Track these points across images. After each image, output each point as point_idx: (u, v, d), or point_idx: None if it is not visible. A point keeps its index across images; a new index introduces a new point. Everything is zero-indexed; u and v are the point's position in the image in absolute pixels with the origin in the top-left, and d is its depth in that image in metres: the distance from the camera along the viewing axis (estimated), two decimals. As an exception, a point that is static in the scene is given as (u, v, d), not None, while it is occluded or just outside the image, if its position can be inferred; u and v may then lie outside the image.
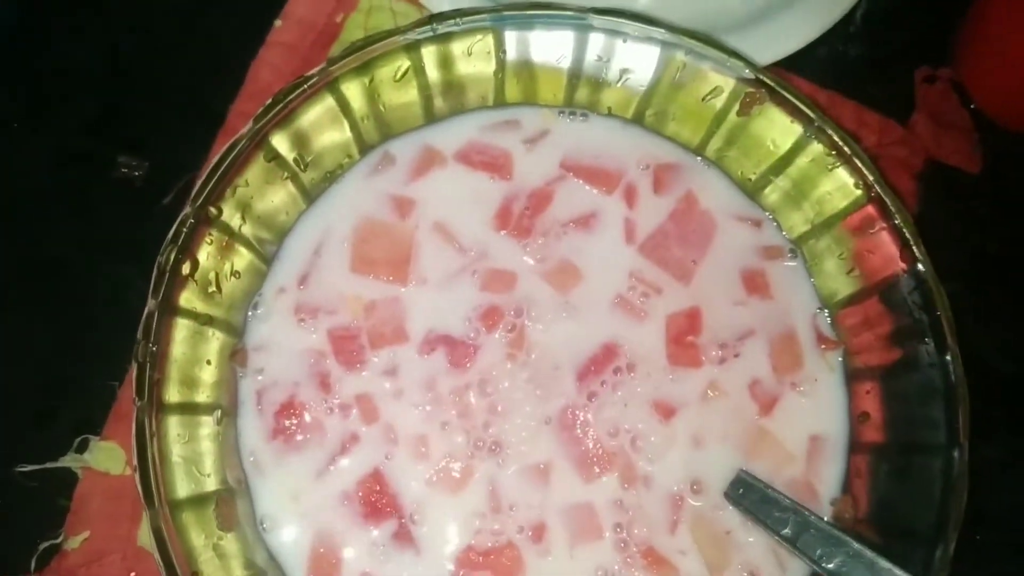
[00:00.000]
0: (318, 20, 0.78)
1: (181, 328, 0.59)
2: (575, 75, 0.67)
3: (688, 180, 0.68)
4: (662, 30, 0.63)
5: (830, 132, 0.62)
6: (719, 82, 0.65)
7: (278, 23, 0.78)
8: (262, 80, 0.75)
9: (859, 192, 0.63)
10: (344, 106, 0.64)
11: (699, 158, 0.69)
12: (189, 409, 0.59)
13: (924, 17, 0.83)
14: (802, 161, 0.65)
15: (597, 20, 0.64)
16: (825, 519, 0.59)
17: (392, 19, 0.77)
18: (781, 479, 0.62)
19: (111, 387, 0.68)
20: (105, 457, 0.67)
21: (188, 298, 0.59)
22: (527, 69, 0.67)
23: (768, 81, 0.63)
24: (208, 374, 0.61)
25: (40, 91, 0.77)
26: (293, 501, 0.61)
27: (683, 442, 0.63)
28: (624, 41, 0.65)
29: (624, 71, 0.66)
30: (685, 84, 0.66)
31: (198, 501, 0.57)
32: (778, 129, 0.65)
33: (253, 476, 0.61)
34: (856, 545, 0.56)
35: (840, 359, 0.65)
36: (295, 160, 0.64)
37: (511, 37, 0.65)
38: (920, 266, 0.60)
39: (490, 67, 0.67)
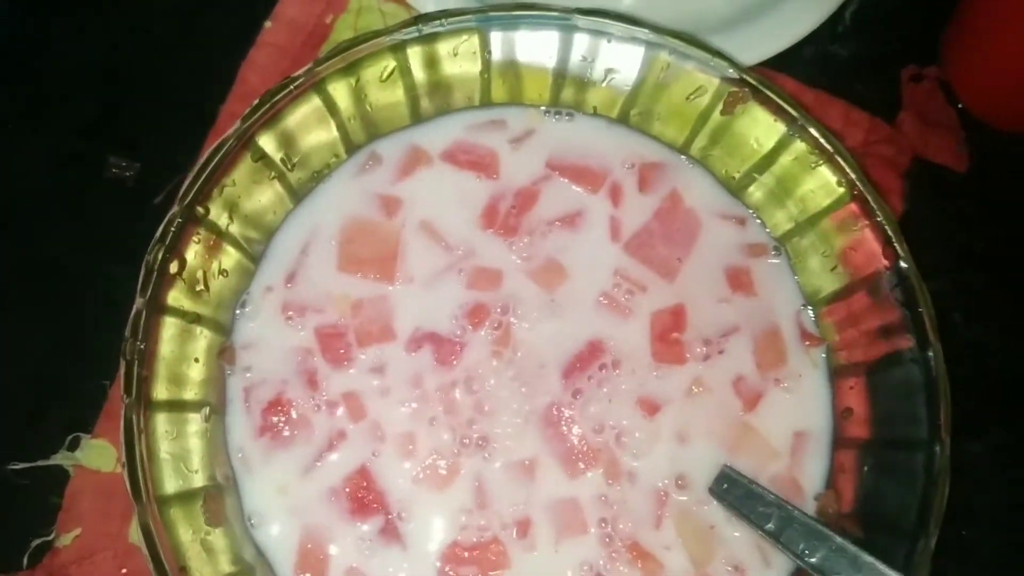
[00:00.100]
0: (308, 21, 0.78)
1: (169, 326, 0.59)
2: (560, 75, 0.68)
3: (673, 179, 0.68)
4: (646, 30, 0.64)
5: (812, 131, 0.63)
6: (703, 82, 0.65)
7: (268, 24, 0.78)
8: (252, 81, 0.76)
9: (842, 190, 0.63)
10: (331, 106, 0.64)
11: (684, 157, 0.69)
12: (177, 406, 0.59)
13: (911, 17, 0.83)
14: (785, 159, 0.65)
15: (582, 20, 0.64)
16: (809, 514, 0.59)
17: (382, 20, 0.78)
18: (765, 474, 0.63)
19: (102, 386, 0.69)
20: (96, 455, 0.68)
21: (176, 297, 0.60)
22: (513, 69, 0.67)
23: (751, 80, 0.63)
24: (196, 372, 0.61)
25: (33, 92, 0.78)
26: (281, 497, 0.61)
27: (668, 438, 0.63)
28: (609, 41, 0.65)
29: (609, 71, 0.67)
30: (669, 84, 0.66)
31: (186, 497, 0.58)
32: (761, 128, 0.65)
33: (241, 472, 0.61)
34: (839, 540, 0.56)
35: (824, 355, 0.66)
36: (282, 160, 0.64)
37: (496, 37, 0.66)
38: (902, 263, 0.61)
39: (476, 67, 0.67)
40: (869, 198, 0.62)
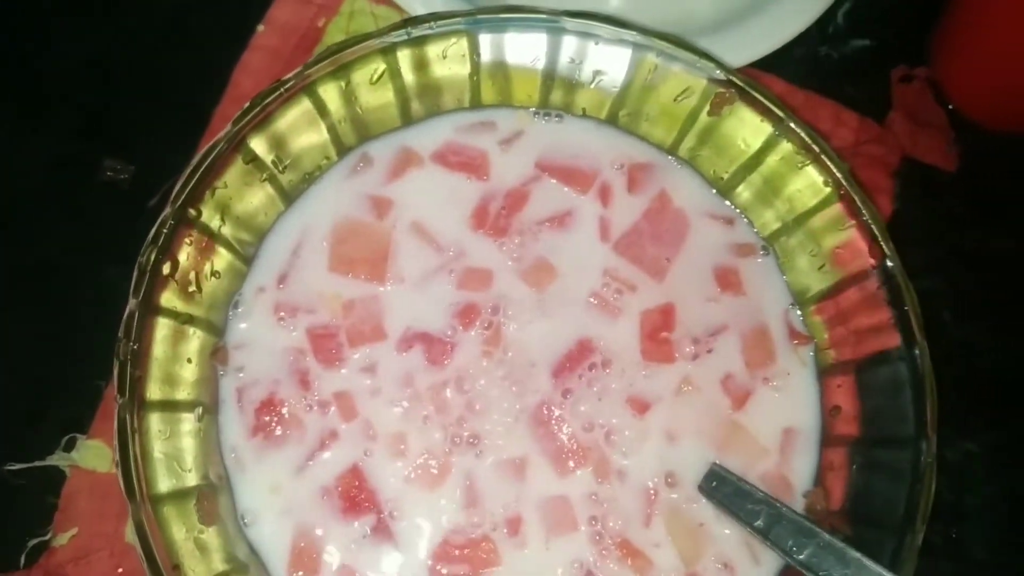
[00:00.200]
0: (300, 25, 0.79)
1: (162, 327, 0.60)
2: (549, 77, 0.68)
3: (661, 179, 0.69)
4: (633, 32, 0.64)
5: (799, 131, 0.63)
6: (690, 83, 0.66)
7: (261, 28, 0.79)
8: (245, 84, 0.76)
9: (828, 190, 0.64)
10: (321, 109, 0.65)
11: (672, 157, 0.70)
12: (170, 406, 0.60)
13: (901, 17, 0.84)
14: (772, 160, 0.66)
15: (569, 23, 0.65)
16: (797, 511, 0.59)
17: (374, 23, 0.78)
18: (755, 472, 0.63)
19: (98, 387, 0.69)
20: (92, 455, 0.68)
21: (169, 298, 0.60)
22: (502, 71, 0.68)
23: (738, 81, 0.64)
24: (189, 372, 0.62)
25: (28, 95, 0.78)
26: (273, 496, 0.62)
27: (657, 436, 0.63)
28: (596, 43, 0.66)
29: (597, 73, 0.67)
30: (657, 85, 0.66)
31: (179, 496, 0.58)
32: (749, 128, 0.66)
33: (234, 472, 0.62)
34: (827, 536, 0.56)
35: (812, 354, 0.66)
36: (273, 162, 0.65)
37: (485, 40, 0.66)
38: (888, 262, 0.61)
39: (465, 69, 0.67)
40: (855, 198, 0.62)
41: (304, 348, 0.64)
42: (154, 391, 0.59)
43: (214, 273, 0.63)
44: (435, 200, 0.68)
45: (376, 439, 0.63)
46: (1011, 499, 0.72)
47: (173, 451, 0.59)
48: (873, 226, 0.62)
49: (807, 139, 0.63)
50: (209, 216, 0.62)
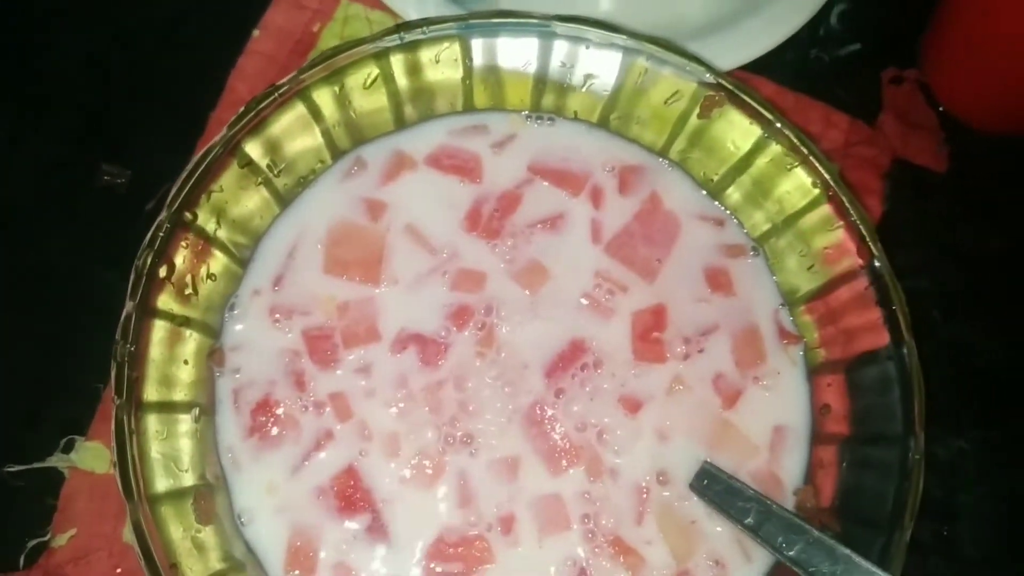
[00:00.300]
0: (295, 30, 0.79)
1: (159, 329, 0.61)
2: (541, 81, 0.69)
3: (652, 181, 0.70)
4: (623, 36, 0.65)
5: (788, 133, 0.64)
6: (680, 86, 0.66)
7: (256, 33, 0.79)
8: (241, 89, 0.77)
9: (817, 191, 0.64)
10: (315, 113, 0.65)
11: (663, 160, 0.70)
12: (167, 407, 0.61)
13: (891, 20, 0.84)
14: (762, 161, 0.66)
15: (560, 27, 0.65)
16: (787, 508, 0.60)
17: (368, 28, 0.79)
18: (745, 470, 0.64)
19: (96, 389, 0.70)
20: (91, 457, 0.69)
21: (165, 300, 0.61)
22: (494, 75, 0.68)
23: (727, 84, 0.64)
24: (186, 373, 0.62)
25: (26, 100, 0.79)
26: (270, 496, 0.62)
27: (649, 435, 0.64)
28: (587, 47, 0.66)
29: (588, 76, 0.68)
30: (648, 88, 0.67)
31: (177, 495, 0.59)
32: (738, 131, 0.66)
33: (231, 472, 0.63)
34: (816, 533, 0.57)
35: (801, 353, 0.67)
36: (268, 166, 0.65)
37: (477, 44, 0.67)
38: (876, 262, 0.62)
39: (458, 74, 0.68)
40: (844, 198, 0.63)
41: (299, 349, 0.65)
42: (151, 392, 0.60)
43: (210, 276, 0.64)
44: (428, 203, 0.68)
45: (371, 439, 0.63)
46: (1002, 497, 0.72)
47: (170, 451, 0.60)
48: (861, 226, 0.62)
49: (796, 141, 0.64)
50: (205, 219, 0.63)
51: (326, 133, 0.67)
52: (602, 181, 0.69)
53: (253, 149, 0.64)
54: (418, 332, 0.65)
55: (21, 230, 0.75)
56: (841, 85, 0.81)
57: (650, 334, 0.66)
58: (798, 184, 0.65)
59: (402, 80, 0.67)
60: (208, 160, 0.61)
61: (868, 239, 0.62)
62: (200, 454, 0.61)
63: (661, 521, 0.63)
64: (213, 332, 0.65)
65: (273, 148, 0.65)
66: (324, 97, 0.65)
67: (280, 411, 0.63)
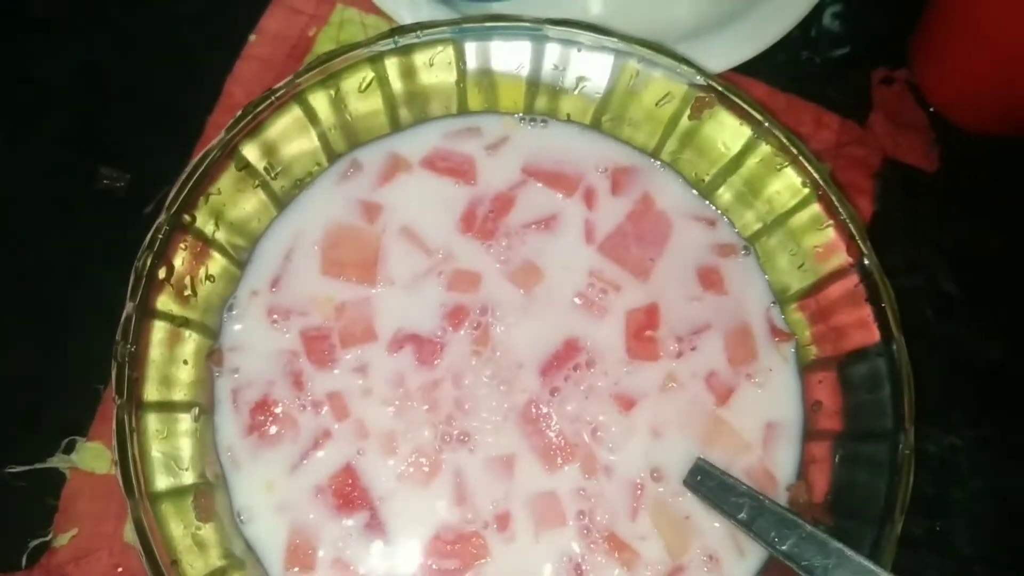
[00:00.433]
0: (291, 34, 0.80)
1: (158, 330, 0.61)
2: (534, 83, 0.69)
3: (645, 182, 0.70)
4: (615, 39, 0.65)
5: (777, 133, 0.65)
6: (671, 88, 0.67)
7: (252, 38, 0.80)
8: (237, 93, 0.78)
9: (807, 190, 0.65)
10: (311, 116, 0.66)
11: (655, 161, 0.71)
12: (167, 407, 0.61)
13: (881, 21, 0.85)
14: (752, 162, 0.67)
15: (552, 31, 0.66)
16: (780, 504, 0.60)
17: (363, 32, 0.80)
18: (739, 466, 0.64)
19: (96, 390, 0.70)
20: (91, 457, 0.69)
21: (165, 301, 0.62)
22: (488, 78, 0.69)
23: (717, 86, 0.65)
24: (185, 373, 0.63)
25: (25, 105, 0.79)
26: (269, 494, 0.63)
27: (643, 432, 0.65)
28: (579, 50, 0.67)
29: (580, 79, 0.69)
30: (639, 90, 0.68)
31: (177, 493, 0.60)
32: (728, 132, 0.67)
33: (230, 470, 0.63)
34: (808, 527, 0.57)
35: (793, 350, 0.67)
36: (265, 169, 0.66)
37: (471, 48, 0.67)
38: (866, 260, 0.62)
39: (452, 77, 0.69)
40: (833, 198, 0.64)
41: (297, 350, 0.65)
42: (151, 392, 0.60)
43: (209, 277, 0.65)
44: (424, 204, 0.69)
45: (368, 438, 0.64)
46: (995, 494, 0.73)
47: (170, 450, 0.61)
48: (851, 225, 0.63)
49: (785, 141, 0.65)
50: (203, 222, 0.64)
51: (322, 136, 0.68)
52: (595, 182, 0.70)
53: (250, 152, 0.65)
54: (414, 332, 0.66)
55: (21, 233, 0.76)
56: (832, 86, 0.82)
57: (643, 332, 0.67)
58: (788, 184, 0.66)
59: (397, 83, 0.68)
60: (206, 163, 0.62)
61: (857, 237, 0.63)
62: (200, 453, 0.62)
63: (655, 517, 0.63)
64: (212, 333, 0.65)
65: (270, 151, 0.66)
66: (320, 100, 0.66)
67: (278, 410, 0.64)
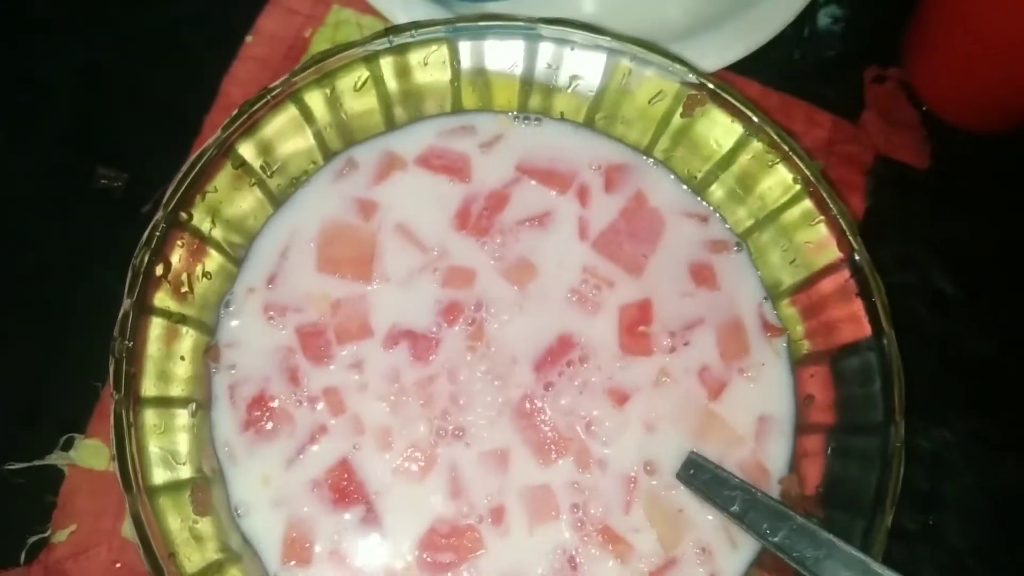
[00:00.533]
0: (288, 35, 0.81)
1: (156, 326, 0.62)
2: (528, 82, 0.70)
3: (638, 179, 0.71)
4: (607, 38, 0.66)
5: (768, 130, 0.65)
6: (663, 86, 0.67)
7: (249, 38, 0.81)
8: (234, 93, 0.78)
9: (798, 187, 0.66)
10: (307, 115, 0.67)
11: (648, 158, 0.71)
12: (165, 402, 0.62)
13: (873, 20, 0.86)
14: (744, 159, 0.67)
15: (546, 30, 0.67)
16: (772, 496, 0.61)
17: (359, 33, 0.80)
18: (731, 459, 0.65)
19: (94, 387, 0.71)
20: (90, 454, 0.70)
21: (162, 298, 0.62)
22: (482, 77, 0.70)
23: (709, 84, 0.66)
24: (183, 369, 0.63)
25: (23, 105, 0.80)
26: (265, 488, 0.63)
27: (636, 426, 0.65)
28: (572, 49, 0.68)
29: (574, 77, 0.69)
30: (632, 89, 0.68)
31: (174, 487, 0.60)
32: (720, 129, 0.67)
33: (227, 465, 0.64)
34: (800, 519, 0.58)
35: (785, 345, 0.68)
36: (261, 167, 0.66)
37: (465, 47, 0.68)
38: (856, 255, 0.63)
39: (446, 76, 0.69)
40: (824, 194, 0.64)
41: (293, 346, 0.66)
42: (149, 388, 0.61)
43: (205, 274, 0.65)
44: (419, 202, 0.69)
45: (364, 433, 0.64)
46: (987, 488, 0.73)
47: (168, 445, 0.61)
48: (841, 220, 0.64)
49: (776, 138, 0.65)
50: (200, 219, 0.64)
51: (318, 135, 0.68)
52: (588, 180, 0.71)
53: (246, 151, 0.65)
54: (409, 328, 0.66)
55: (19, 232, 0.76)
56: (825, 84, 0.82)
57: (636, 328, 0.67)
58: (779, 180, 0.67)
59: (392, 82, 0.69)
60: (203, 162, 0.62)
61: (848, 233, 0.63)
62: (197, 448, 0.62)
63: (649, 510, 0.64)
64: (209, 329, 0.66)
65: (266, 150, 0.66)
66: (315, 100, 0.67)
67: (275, 405, 0.64)
